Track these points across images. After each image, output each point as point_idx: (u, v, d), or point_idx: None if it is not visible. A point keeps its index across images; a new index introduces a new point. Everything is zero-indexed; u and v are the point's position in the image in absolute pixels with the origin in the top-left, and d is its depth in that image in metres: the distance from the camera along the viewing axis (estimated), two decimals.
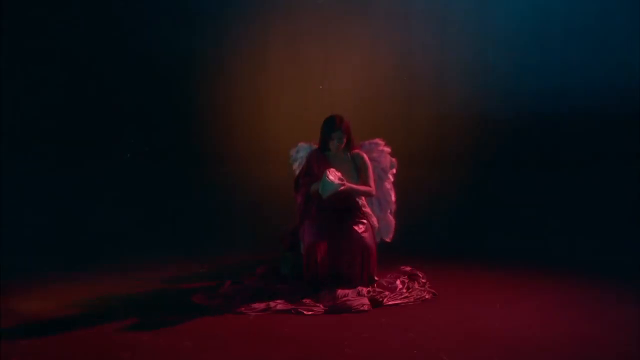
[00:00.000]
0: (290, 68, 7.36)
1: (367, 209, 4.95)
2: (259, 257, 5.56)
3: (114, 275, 5.17)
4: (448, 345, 3.58)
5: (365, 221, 4.78)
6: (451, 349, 3.51)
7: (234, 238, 6.58)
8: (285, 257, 4.96)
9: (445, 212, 6.79)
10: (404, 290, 4.61)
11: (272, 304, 4.28)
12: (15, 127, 6.96)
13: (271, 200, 6.75)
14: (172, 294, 4.74)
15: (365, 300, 4.34)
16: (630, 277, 5.09)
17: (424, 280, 4.85)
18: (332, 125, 4.80)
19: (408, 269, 5.08)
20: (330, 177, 4.56)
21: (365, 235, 4.70)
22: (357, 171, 4.85)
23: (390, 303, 4.39)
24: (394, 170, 5.20)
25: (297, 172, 5.14)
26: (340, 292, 4.42)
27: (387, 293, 4.52)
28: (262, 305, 4.26)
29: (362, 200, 4.92)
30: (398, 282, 4.74)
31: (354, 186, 4.74)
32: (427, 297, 4.55)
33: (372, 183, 4.85)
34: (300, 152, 5.21)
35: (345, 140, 4.83)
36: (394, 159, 5.19)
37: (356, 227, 4.70)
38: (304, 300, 4.34)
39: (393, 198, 5.19)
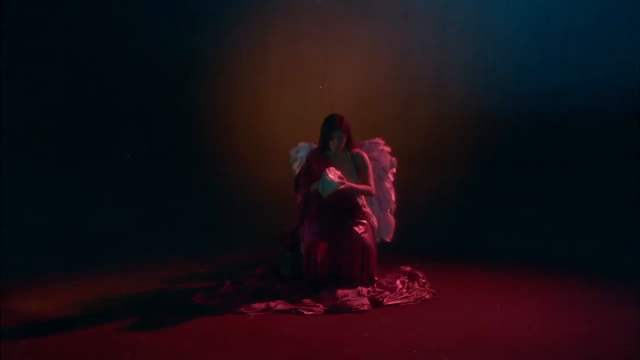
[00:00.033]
0: (290, 68, 7.36)
1: (367, 209, 4.95)
2: (259, 257, 5.56)
3: (114, 275, 5.17)
4: (448, 345, 3.58)
5: (365, 221, 4.78)
6: (451, 349, 3.51)
7: (234, 238, 6.58)
8: (285, 257, 4.96)
9: (445, 212, 6.79)
10: (404, 290, 4.61)
11: (272, 304, 4.28)
12: (15, 127, 6.96)
13: (271, 200, 6.75)
14: (172, 294, 4.74)
15: (365, 300, 4.34)
16: (630, 277, 5.09)
17: (424, 280, 4.85)
18: (332, 125, 4.80)
19: (408, 269, 5.08)
20: (330, 176, 4.57)
21: (365, 235, 4.70)
22: (357, 170, 4.85)
23: (390, 303, 4.39)
24: (394, 170, 5.20)
25: (297, 171, 5.14)
26: (340, 292, 4.42)
27: (387, 293, 4.52)
28: (262, 305, 4.26)
29: (362, 200, 4.92)
30: (398, 282, 4.74)
31: (354, 185, 4.74)
32: (427, 297, 4.55)
33: (372, 182, 4.86)
34: (301, 152, 5.21)
35: (345, 139, 4.83)
36: (394, 159, 5.19)
37: (356, 228, 4.70)
38: (304, 300, 4.34)
39: (393, 197, 5.19)
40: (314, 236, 4.64)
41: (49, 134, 7.02)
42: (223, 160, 7.28)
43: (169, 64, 7.28)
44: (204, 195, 7.11)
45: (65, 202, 6.79)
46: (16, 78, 6.97)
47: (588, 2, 6.93)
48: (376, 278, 4.74)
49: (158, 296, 4.68)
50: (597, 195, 6.61)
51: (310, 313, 4.19)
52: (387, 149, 5.17)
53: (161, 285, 4.97)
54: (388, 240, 5.18)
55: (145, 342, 3.64)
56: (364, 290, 4.50)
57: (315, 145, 5.02)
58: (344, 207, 4.78)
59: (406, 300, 4.45)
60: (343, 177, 4.64)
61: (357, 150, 4.94)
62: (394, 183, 5.21)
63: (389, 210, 5.19)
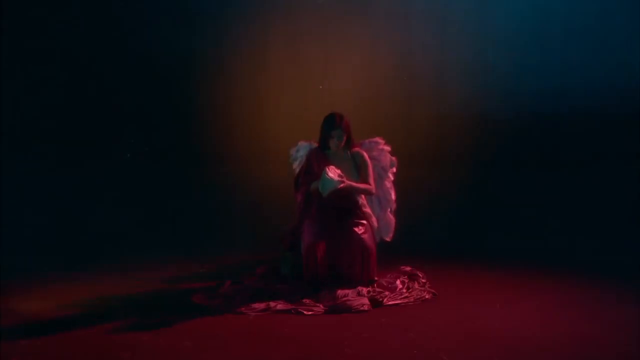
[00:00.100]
0: (290, 68, 7.36)
1: (367, 209, 4.95)
2: (259, 257, 5.56)
3: (114, 275, 5.17)
4: (448, 345, 3.58)
5: (364, 222, 4.78)
6: (451, 349, 3.51)
7: (234, 238, 6.58)
8: (285, 257, 4.95)
9: (445, 212, 6.79)
10: (404, 290, 4.61)
11: (272, 304, 4.28)
12: (15, 127, 6.96)
13: (271, 200, 6.75)
14: (172, 294, 4.74)
15: (365, 300, 4.34)
16: (630, 277, 5.09)
17: (424, 280, 4.85)
18: (332, 124, 4.80)
19: (408, 269, 5.08)
20: (330, 174, 4.57)
21: (365, 236, 4.70)
22: (357, 169, 4.85)
23: (390, 303, 4.39)
24: (394, 169, 5.20)
25: (297, 171, 5.14)
26: (340, 292, 4.42)
27: (387, 293, 4.52)
28: (262, 305, 4.26)
29: (362, 200, 4.92)
30: (398, 282, 4.74)
31: (354, 184, 4.74)
32: (427, 297, 4.55)
33: (371, 181, 4.85)
34: (301, 151, 5.21)
35: (345, 138, 4.83)
36: (394, 158, 5.19)
37: (356, 228, 4.70)
38: (304, 300, 4.34)
39: (393, 197, 5.18)
40: (313, 236, 4.64)
41: (49, 134, 7.02)
42: (223, 160, 7.28)
43: (169, 64, 7.28)
44: (204, 195, 7.11)
45: (65, 202, 6.79)
46: (16, 78, 6.97)
47: (588, 2, 6.93)
48: (376, 278, 4.74)
49: (158, 296, 4.68)
50: (597, 195, 6.61)
51: (310, 313, 4.19)
52: (387, 148, 5.17)
53: (161, 285, 4.97)
54: (388, 239, 5.18)
55: (145, 342, 3.64)
56: (364, 290, 4.50)
57: (315, 145, 5.02)
58: (344, 206, 4.78)
59: (406, 300, 4.45)
60: (343, 175, 4.64)
61: (357, 149, 4.94)
62: (394, 182, 5.21)
63: (389, 210, 5.19)
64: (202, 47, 7.33)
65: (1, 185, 6.59)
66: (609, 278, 5.08)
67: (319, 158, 4.87)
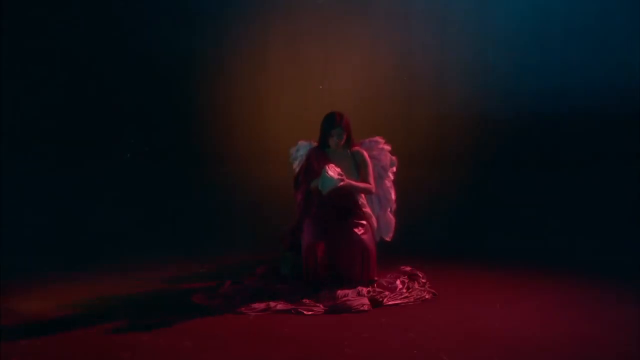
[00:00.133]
0: (290, 68, 7.36)
1: (367, 209, 4.94)
2: (259, 257, 5.56)
3: (114, 275, 5.17)
4: (448, 345, 3.58)
5: (364, 222, 4.78)
6: (451, 349, 3.51)
7: (234, 238, 6.58)
8: (285, 257, 4.95)
9: (445, 212, 6.79)
10: (404, 290, 4.61)
11: (272, 304, 4.28)
12: (15, 127, 6.96)
13: (271, 200, 6.75)
14: (172, 294, 4.74)
15: (365, 300, 4.34)
16: (630, 277, 5.09)
17: (424, 280, 4.85)
18: (332, 122, 4.80)
19: (408, 269, 5.08)
20: (330, 172, 4.56)
21: (365, 236, 4.70)
22: (357, 168, 4.85)
23: (390, 303, 4.39)
24: (394, 169, 5.19)
25: (297, 170, 5.14)
26: (340, 292, 4.42)
27: (387, 293, 4.52)
28: (262, 305, 4.26)
29: (362, 200, 4.92)
30: (398, 282, 4.74)
31: (354, 183, 4.74)
32: (427, 297, 4.55)
33: (371, 180, 4.85)
34: (301, 151, 5.20)
35: (345, 136, 4.83)
36: (394, 157, 5.18)
37: (356, 229, 4.69)
38: (304, 300, 4.33)
39: (393, 196, 5.17)
40: (313, 236, 4.64)
41: (49, 134, 7.02)
42: (223, 160, 7.28)
43: (169, 64, 7.28)
44: (204, 195, 7.11)
45: (65, 202, 6.79)
46: (16, 78, 6.97)
47: (588, 2, 6.93)
48: (376, 278, 4.74)
49: (158, 296, 4.68)
50: (597, 195, 6.61)
51: (310, 313, 4.18)
52: (387, 147, 5.17)
53: (161, 285, 4.97)
54: (388, 239, 5.18)
55: (145, 342, 3.64)
56: (364, 290, 4.50)
57: (315, 144, 5.02)
58: (344, 205, 4.77)
59: (406, 300, 4.45)
60: (343, 174, 4.63)
61: (357, 148, 4.94)
62: (394, 182, 5.21)
63: (389, 209, 5.19)
64: (202, 47, 7.33)
65: (1, 185, 6.59)
66: (609, 278, 5.08)
67: (318, 157, 4.87)
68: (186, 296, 4.57)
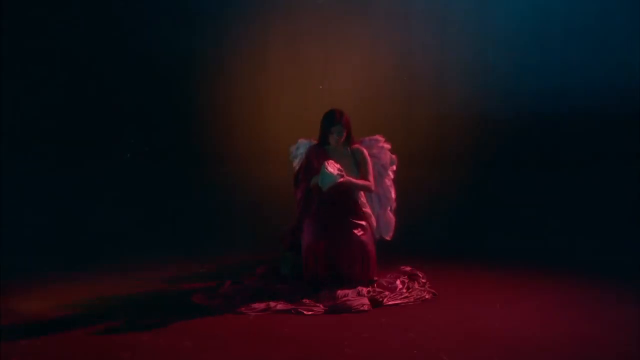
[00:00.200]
0: (290, 68, 7.36)
1: (367, 209, 4.94)
2: (259, 257, 5.56)
3: (114, 275, 5.18)
4: (448, 345, 3.58)
5: (364, 223, 4.77)
6: (451, 349, 3.51)
7: (234, 238, 6.58)
8: (285, 257, 4.96)
9: (445, 212, 6.79)
10: (404, 290, 4.61)
11: (272, 304, 4.28)
12: (15, 127, 6.95)
13: (271, 200, 6.75)
14: (172, 294, 4.74)
15: (365, 300, 4.34)
16: (630, 277, 5.09)
17: (424, 280, 4.85)
18: (332, 119, 4.80)
19: (408, 269, 5.08)
20: (329, 168, 4.56)
21: (365, 237, 4.70)
22: (357, 166, 4.85)
23: (390, 303, 4.39)
24: (394, 167, 5.19)
25: (297, 168, 5.13)
26: (340, 292, 4.42)
27: (387, 293, 4.52)
28: (262, 305, 4.26)
29: (362, 199, 4.92)
30: (398, 282, 4.74)
31: (353, 180, 4.74)
32: (427, 297, 4.55)
33: (371, 178, 4.85)
34: (300, 149, 5.20)
35: (345, 134, 4.83)
36: (394, 156, 5.18)
37: (355, 230, 4.69)
38: (304, 300, 4.33)
39: (393, 195, 5.17)
40: (313, 236, 4.64)
41: (49, 134, 7.01)
42: (223, 160, 7.28)
43: (169, 64, 7.27)
44: (204, 195, 7.11)
45: (65, 202, 6.79)
46: (16, 78, 6.96)
47: (588, 2, 6.93)
48: (376, 278, 4.74)
49: (158, 296, 4.68)
50: (597, 195, 6.61)
51: (310, 313, 4.18)
52: (387, 146, 5.17)
53: (161, 285, 4.97)
54: (388, 238, 5.17)
55: (145, 342, 3.64)
56: (364, 290, 4.50)
57: (315, 142, 5.01)
58: (344, 202, 4.76)
59: (406, 300, 4.45)
60: (342, 170, 4.63)
61: (357, 146, 4.94)
62: (394, 181, 5.21)
63: (389, 208, 5.18)
64: (202, 47, 7.32)
65: (1, 185, 6.59)
66: (609, 278, 5.08)
67: (318, 154, 4.87)
68: (186, 296, 4.57)
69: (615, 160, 6.68)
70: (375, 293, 4.50)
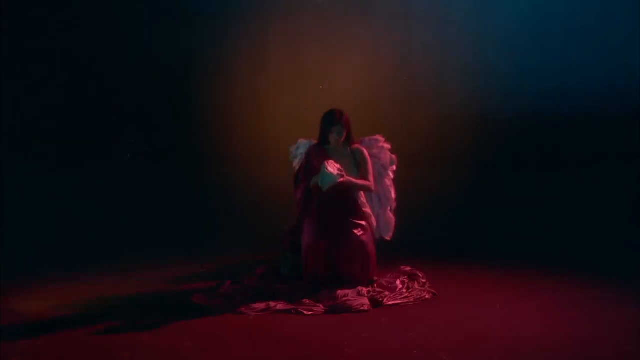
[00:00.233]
0: (290, 68, 7.36)
1: (367, 209, 4.94)
2: (259, 257, 5.56)
3: (114, 275, 5.17)
4: (448, 345, 3.58)
5: (364, 223, 4.77)
6: (451, 349, 3.51)
7: (234, 238, 6.58)
8: (285, 257, 4.96)
9: (445, 212, 6.79)
10: (404, 290, 4.61)
11: (272, 304, 4.28)
12: (15, 127, 6.96)
13: (271, 200, 6.75)
14: (172, 294, 4.74)
15: (365, 300, 4.34)
16: (630, 277, 5.09)
17: (424, 280, 4.85)
18: (332, 119, 4.80)
19: (408, 269, 5.08)
20: (329, 168, 4.56)
21: (365, 237, 4.69)
22: (357, 166, 4.85)
23: (390, 303, 4.39)
24: (394, 167, 5.19)
25: (297, 168, 5.13)
26: (340, 292, 4.42)
27: (387, 293, 4.52)
28: (262, 305, 4.26)
29: (362, 199, 4.92)
30: (398, 282, 4.74)
31: (353, 180, 4.74)
32: (427, 297, 4.55)
33: (371, 178, 4.85)
34: (301, 149, 5.20)
35: (345, 133, 4.83)
36: (394, 156, 5.17)
37: (355, 230, 4.69)
38: (304, 300, 4.33)
39: (393, 195, 5.16)
40: (313, 236, 4.63)
41: (49, 134, 7.01)
42: (223, 160, 7.28)
43: (169, 64, 7.27)
44: (204, 195, 7.11)
45: (65, 202, 6.79)
46: (16, 78, 6.96)
47: (588, 2, 6.93)
48: (376, 278, 4.74)
49: (158, 296, 4.68)
50: (597, 195, 6.61)
51: (310, 313, 4.19)
52: (387, 146, 5.16)
53: (161, 285, 4.97)
54: (388, 238, 5.17)
55: (145, 342, 3.64)
56: (364, 290, 4.50)
57: (315, 142, 5.01)
58: (344, 202, 4.75)
59: (406, 300, 4.45)
60: (342, 170, 4.63)
61: (357, 146, 4.94)
62: (394, 181, 5.21)
63: (389, 208, 5.18)
64: (202, 47, 7.32)
65: (1, 185, 6.59)
66: (609, 278, 5.08)
67: (318, 154, 4.86)
68: (186, 296, 4.57)
69: (615, 160, 6.68)
70: (375, 293, 4.50)
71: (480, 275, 5.25)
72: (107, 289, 4.78)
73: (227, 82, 7.38)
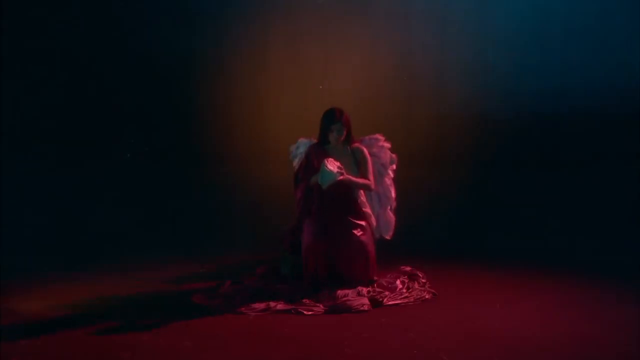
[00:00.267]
0: (290, 68, 7.36)
1: (367, 209, 4.94)
2: (259, 257, 5.56)
3: (114, 275, 5.17)
4: (448, 345, 3.58)
5: (364, 222, 4.77)
6: (451, 349, 3.51)
7: (234, 238, 6.58)
8: (285, 257, 4.95)
9: (445, 212, 6.79)
10: (404, 290, 4.61)
11: (272, 304, 4.28)
12: (15, 127, 6.96)
13: (271, 200, 6.75)
14: (172, 294, 4.74)
15: (365, 300, 4.34)
16: (630, 277, 5.09)
17: (424, 280, 4.85)
18: (332, 118, 4.80)
19: (408, 269, 5.08)
20: (329, 166, 4.56)
21: (365, 237, 4.69)
22: (357, 165, 4.85)
23: (390, 303, 4.39)
24: (394, 166, 5.18)
25: (297, 167, 5.13)
26: (340, 292, 4.42)
27: (387, 293, 4.52)
28: (262, 305, 4.26)
29: (361, 198, 4.92)
30: (398, 282, 4.74)
31: (353, 178, 4.73)
32: (427, 297, 4.55)
33: (371, 177, 4.84)
34: (300, 148, 5.19)
35: (345, 132, 4.83)
36: (394, 155, 5.17)
37: (355, 230, 4.68)
38: (304, 300, 4.34)
39: (393, 194, 5.16)
40: (313, 236, 4.63)
41: (49, 134, 7.01)
42: (223, 160, 7.28)
43: (169, 64, 7.27)
44: (204, 195, 7.11)
45: (65, 202, 6.79)
46: (16, 78, 6.96)
47: (588, 2, 6.93)
48: (376, 278, 4.74)
49: (158, 296, 4.68)
50: (597, 195, 6.61)
51: (310, 313, 4.19)
52: (387, 145, 5.16)
53: (161, 285, 4.97)
54: (388, 238, 5.16)
55: (145, 342, 3.64)
56: (364, 290, 4.50)
57: (315, 141, 5.01)
58: (344, 201, 4.75)
59: (406, 300, 4.45)
60: (342, 168, 4.63)
61: (357, 144, 4.94)
62: (394, 180, 5.21)
63: (389, 207, 5.17)
64: (202, 47, 7.32)
65: (1, 185, 6.59)
66: (609, 278, 5.08)
67: (318, 153, 4.86)
68: (186, 296, 4.57)
69: (615, 160, 6.68)
70: (375, 293, 4.50)
71: (480, 275, 5.25)
72: (107, 289, 4.78)
73: (227, 82, 7.38)
